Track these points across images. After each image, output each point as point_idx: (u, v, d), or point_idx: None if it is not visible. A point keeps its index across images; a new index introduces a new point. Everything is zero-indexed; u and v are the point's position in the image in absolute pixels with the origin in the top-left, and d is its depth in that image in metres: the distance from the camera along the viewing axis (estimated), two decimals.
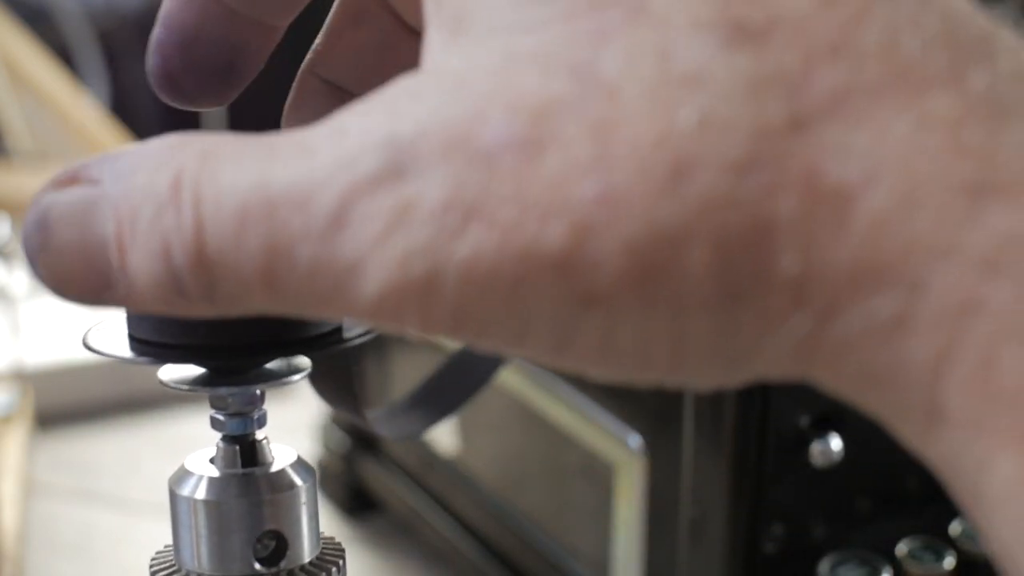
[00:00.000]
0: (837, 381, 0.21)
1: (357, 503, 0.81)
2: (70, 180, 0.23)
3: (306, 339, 0.27)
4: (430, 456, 0.73)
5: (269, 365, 0.29)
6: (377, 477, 0.78)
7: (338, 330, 0.28)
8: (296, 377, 0.29)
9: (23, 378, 0.87)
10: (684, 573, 0.54)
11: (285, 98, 0.31)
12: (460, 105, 0.21)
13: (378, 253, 0.21)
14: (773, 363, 0.21)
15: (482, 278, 0.20)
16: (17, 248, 0.88)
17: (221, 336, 0.26)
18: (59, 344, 0.92)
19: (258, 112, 0.32)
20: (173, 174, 0.22)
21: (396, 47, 0.31)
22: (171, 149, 0.22)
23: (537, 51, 0.21)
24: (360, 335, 0.28)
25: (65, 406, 0.91)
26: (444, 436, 0.72)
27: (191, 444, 0.30)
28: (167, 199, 0.22)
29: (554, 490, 0.63)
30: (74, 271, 0.23)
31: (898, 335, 0.20)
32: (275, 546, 0.29)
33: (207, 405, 0.30)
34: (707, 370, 0.21)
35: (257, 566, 0.29)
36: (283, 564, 0.29)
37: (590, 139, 0.20)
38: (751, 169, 0.20)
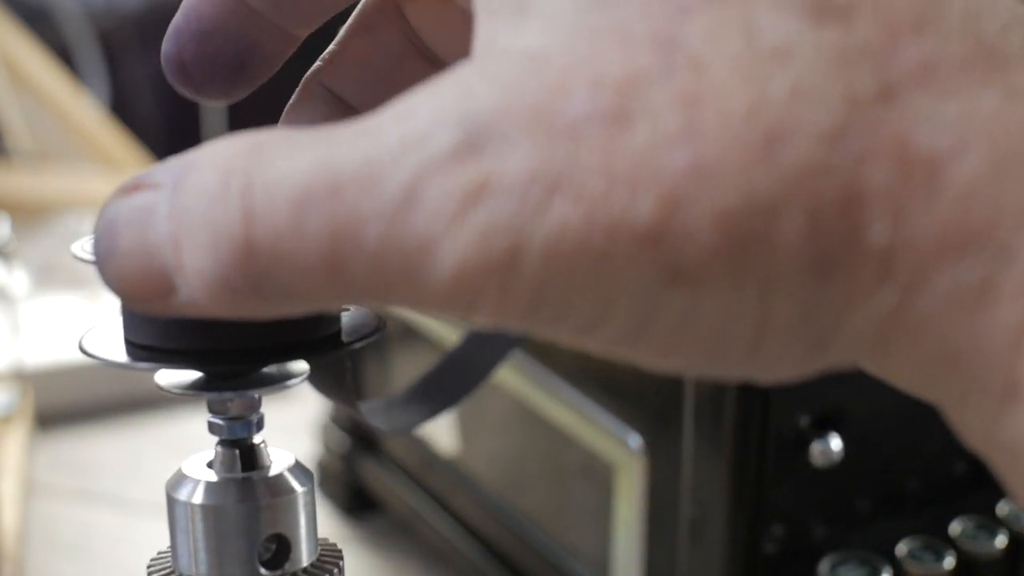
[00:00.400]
0: (910, 363, 0.21)
1: (357, 503, 0.81)
2: (134, 187, 0.22)
3: (307, 343, 0.27)
4: (430, 456, 0.73)
5: (268, 368, 0.28)
6: (377, 477, 0.78)
7: (338, 333, 0.28)
8: (296, 381, 0.28)
9: (23, 378, 0.87)
10: (684, 573, 0.54)
11: (287, 102, 0.32)
12: (537, 82, 0.20)
13: (454, 230, 0.20)
14: (851, 345, 0.21)
15: (567, 253, 0.20)
16: (17, 248, 0.88)
17: (222, 340, 0.26)
18: (59, 344, 0.92)
19: (259, 113, 0.32)
20: (223, 167, 0.21)
21: (402, 68, 0.31)
22: (224, 146, 0.22)
23: (615, 27, 0.21)
24: (361, 339, 0.28)
25: (65, 406, 0.91)
26: (444, 436, 0.71)
27: (191, 444, 0.29)
28: (215, 192, 0.21)
29: (554, 490, 0.63)
30: (138, 276, 0.22)
31: (981, 304, 0.20)
32: (277, 550, 0.29)
33: (206, 406, 0.30)
34: (783, 355, 0.21)
35: (262, 570, 0.29)
36: (286, 567, 0.29)
37: (679, 110, 0.20)
38: (844, 137, 0.20)
